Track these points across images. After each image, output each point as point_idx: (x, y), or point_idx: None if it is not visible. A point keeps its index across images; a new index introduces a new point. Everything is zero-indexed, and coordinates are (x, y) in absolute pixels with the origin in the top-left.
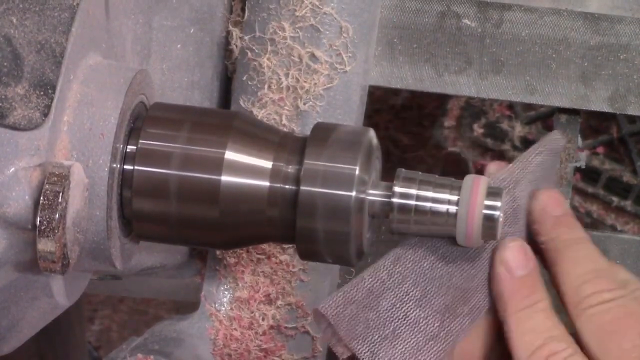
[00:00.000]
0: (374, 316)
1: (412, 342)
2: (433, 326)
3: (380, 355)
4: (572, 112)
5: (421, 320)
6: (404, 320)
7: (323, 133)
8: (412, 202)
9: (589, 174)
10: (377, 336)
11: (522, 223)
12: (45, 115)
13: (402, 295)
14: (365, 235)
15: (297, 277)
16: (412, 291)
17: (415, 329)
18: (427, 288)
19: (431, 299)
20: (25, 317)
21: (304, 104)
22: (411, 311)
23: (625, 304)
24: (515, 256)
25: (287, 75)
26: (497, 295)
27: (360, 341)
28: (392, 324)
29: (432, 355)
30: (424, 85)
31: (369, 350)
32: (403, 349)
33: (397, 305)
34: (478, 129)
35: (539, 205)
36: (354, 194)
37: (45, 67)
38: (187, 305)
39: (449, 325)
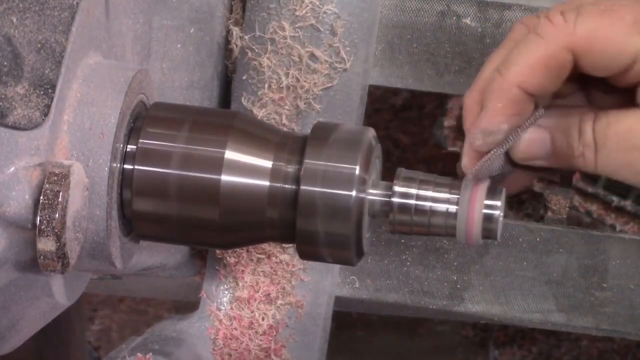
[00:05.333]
0: None
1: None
2: None
3: None
4: None
5: None
6: None
7: (323, 132)
8: (412, 202)
9: (589, 174)
10: None
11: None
12: (45, 114)
13: None
14: (365, 235)
15: (297, 276)
16: None
17: None
18: None
19: None
20: (25, 316)
21: (304, 103)
22: None
23: None
24: None
25: (287, 74)
26: None
27: None
28: None
29: None
30: (424, 85)
31: None
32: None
33: None
34: None
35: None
36: (354, 193)
37: (45, 66)
38: (187, 305)
39: None
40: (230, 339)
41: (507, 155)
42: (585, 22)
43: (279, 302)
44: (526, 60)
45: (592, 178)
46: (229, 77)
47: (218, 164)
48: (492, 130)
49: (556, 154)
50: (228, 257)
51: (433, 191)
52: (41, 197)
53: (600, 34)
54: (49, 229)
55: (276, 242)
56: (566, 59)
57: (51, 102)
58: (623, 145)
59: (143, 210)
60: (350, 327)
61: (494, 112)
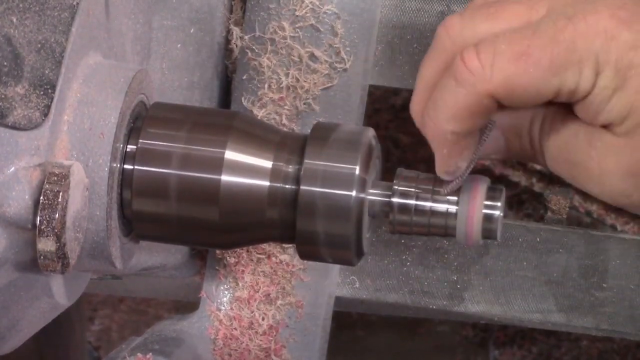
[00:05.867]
0: None
1: None
2: None
3: None
4: None
5: None
6: None
7: (323, 132)
8: (412, 202)
9: None
10: None
11: None
12: (45, 115)
13: None
14: (365, 235)
15: (297, 276)
16: None
17: None
18: None
19: None
20: (26, 316)
21: (304, 103)
22: None
23: None
24: None
25: (287, 75)
26: None
27: None
28: None
29: None
30: None
31: None
32: None
33: None
34: None
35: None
36: (353, 193)
37: (45, 66)
38: (187, 305)
39: None
40: (230, 339)
41: None
42: (501, 69)
43: (279, 302)
44: (450, 110)
45: None
46: (229, 77)
47: (218, 164)
48: (453, 170)
49: (510, 151)
50: (228, 257)
51: (433, 191)
52: (41, 197)
53: (516, 81)
54: (49, 229)
55: (276, 242)
56: (488, 102)
57: (51, 102)
58: (562, 157)
59: (143, 210)
60: (350, 327)
61: (443, 158)
